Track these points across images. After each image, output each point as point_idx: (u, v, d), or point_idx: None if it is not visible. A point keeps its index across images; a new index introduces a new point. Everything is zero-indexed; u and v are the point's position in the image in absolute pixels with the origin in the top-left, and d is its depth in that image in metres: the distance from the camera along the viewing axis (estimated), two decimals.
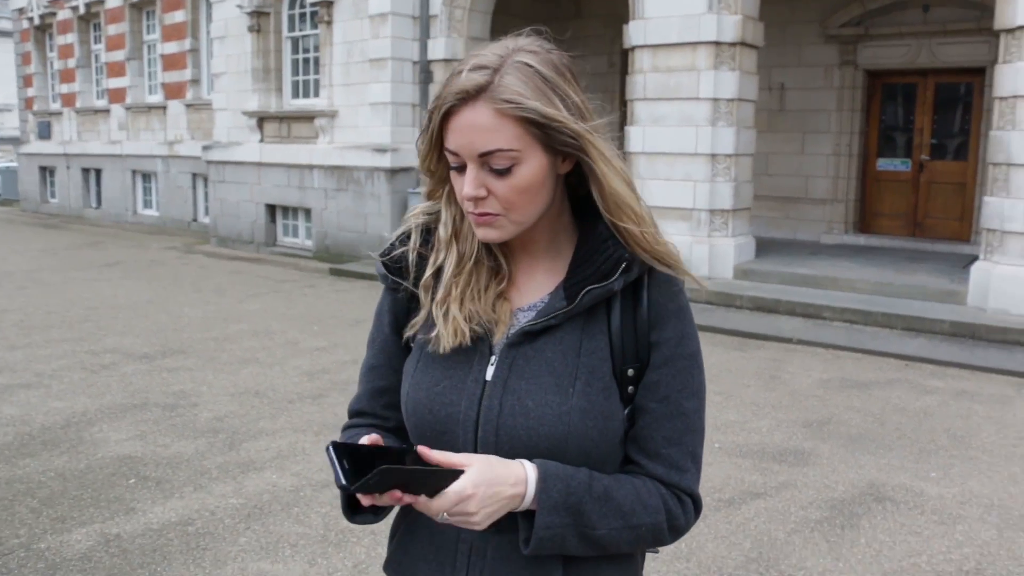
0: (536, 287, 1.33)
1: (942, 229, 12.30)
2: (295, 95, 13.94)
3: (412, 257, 1.33)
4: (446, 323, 1.27)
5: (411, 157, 12.47)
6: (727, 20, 9.72)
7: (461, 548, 1.29)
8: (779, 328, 8.45)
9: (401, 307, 1.38)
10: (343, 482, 1.05)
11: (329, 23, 12.81)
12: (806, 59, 12.77)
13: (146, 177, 19.17)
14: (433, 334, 1.29)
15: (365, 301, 9.92)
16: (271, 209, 14.32)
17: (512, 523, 1.22)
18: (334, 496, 4.36)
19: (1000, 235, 8.46)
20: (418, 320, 1.34)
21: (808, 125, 12.97)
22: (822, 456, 5.09)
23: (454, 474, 1.12)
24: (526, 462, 1.20)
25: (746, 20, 9.82)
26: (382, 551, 3.75)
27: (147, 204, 19.26)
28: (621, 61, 13.97)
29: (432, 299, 1.30)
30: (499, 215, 1.23)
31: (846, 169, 12.79)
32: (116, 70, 19.59)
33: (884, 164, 12.81)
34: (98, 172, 20.47)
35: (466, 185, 1.21)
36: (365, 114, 12.59)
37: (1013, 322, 7.98)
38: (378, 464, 1.07)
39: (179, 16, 17.66)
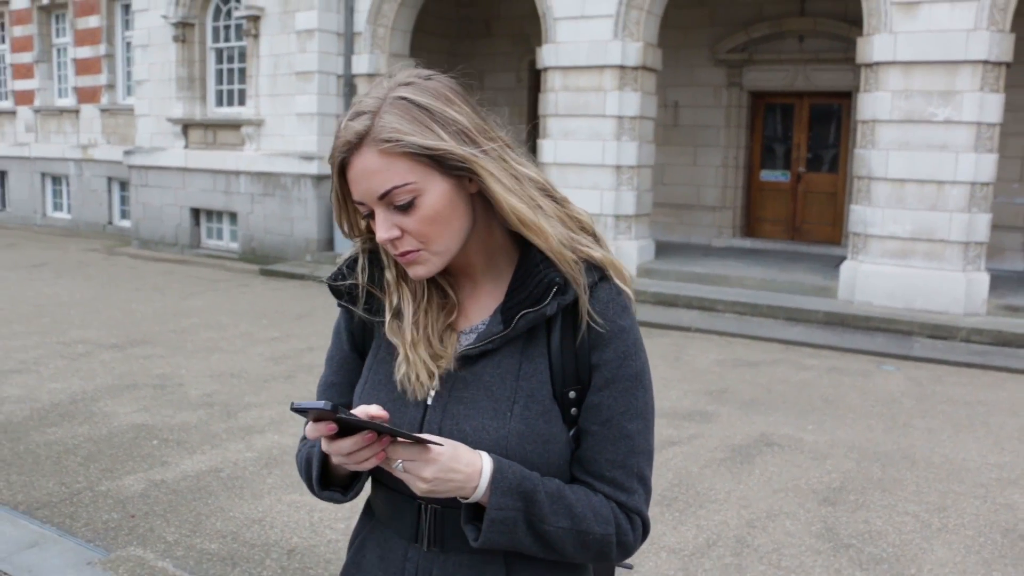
0: (479, 310, 1.34)
1: (817, 233, 13.81)
2: (220, 104, 14.50)
3: (362, 283, 1.36)
4: (416, 366, 1.28)
5: None
6: (631, 47, 10.91)
7: (408, 567, 1.32)
8: (679, 319, 9.65)
9: (357, 326, 1.41)
10: (322, 405, 1.08)
11: (256, 36, 13.46)
12: (697, 80, 14.11)
13: (56, 180, 19.21)
14: (398, 368, 1.30)
15: (300, 298, 10.67)
16: (195, 213, 14.81)
17: (459, 541, 1.26)
18: None
19: (864, 238, 9.88)
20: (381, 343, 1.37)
21: (699, 139, 14.32)
22: (722, 416, 6.22)
23: (421, 442, 1.16)
24: (482, 452, 1.22)
25: (647, 47, 11.04)
26: None
27: (57, 207, 19.30)
28: (529, 77, 15.07)
29: (402, 341, 1.31)
30: (419, 250, 1.24)
31: (733, 179, 14.18)
32: (23, 72, 19.56)
33: (766, 175, 14.25)
34: (3, 174, 20.34)
35: (378, 230, 1.23)
36: (292, 123, 13.30)
37: (875, 311, 9.39)
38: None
39: (93, 21, 17.86)
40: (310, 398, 6.26)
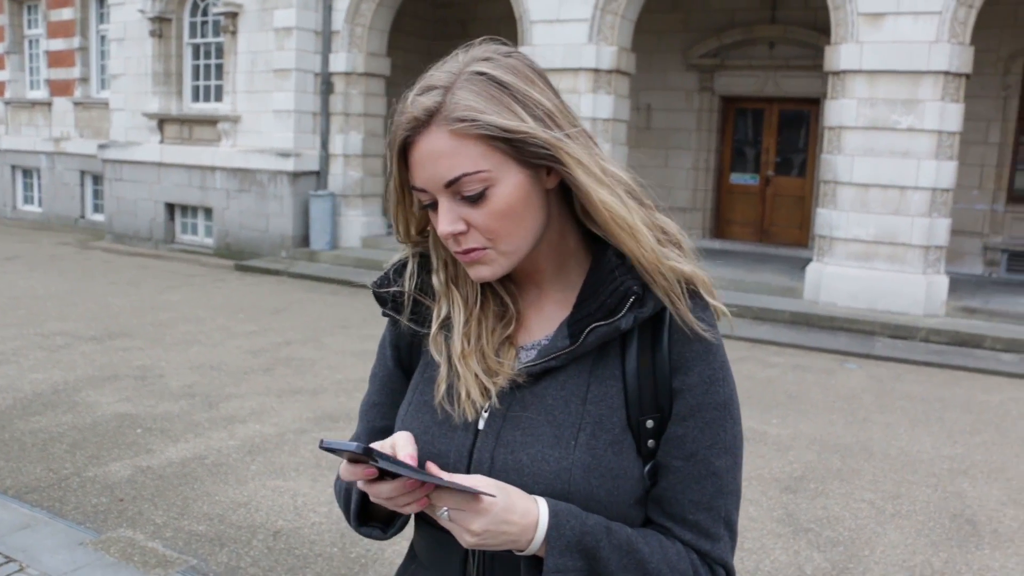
0: (543, 323, 1.20)
1: (785, 236, 14.12)
2: (196, 99, 14.54)
3: (409, 290, 1.22)
4: (467, 381, 1.15)
5: (313, 162, 13.38)
6: (605, 50, 11.13)
7: None
8: None
9: (404, 339, 1.27)
10: (354, 447, 0.96)
11: (234, 33, 13.53)
12: (670, 84, 14.37)
13: (27, 173, 19.12)
14: (438, 388, 1.17)
15: (276, 294, 10.78)
16: (170, 208, 14.85)
17: None
18: (316, 437, 5.41)
19: (829, 241, 10.17)
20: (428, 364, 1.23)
21: (671, 142, 14.58)
22: None
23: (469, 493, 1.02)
24: (538, 498, 1.06)
25: (621, 51, 11.27)
26: None
27: (28, 200, 19.21)
28: None
29: (448, 354, 1.18)
30: (485, 248, 1.10)
31: (704, 182, 14.46)
32: None
33: (736, 178, 14.55)
34: None
35: (441, 222, 1.09)
36: (268, 120, 13.39)
37: (839, 312, 9.68)
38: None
39: (67, 14, 17.81)
40: (289, 390, 6.42)
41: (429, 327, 1.21)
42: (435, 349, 1.19)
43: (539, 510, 1.04)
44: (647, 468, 1.13)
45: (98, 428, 5.43)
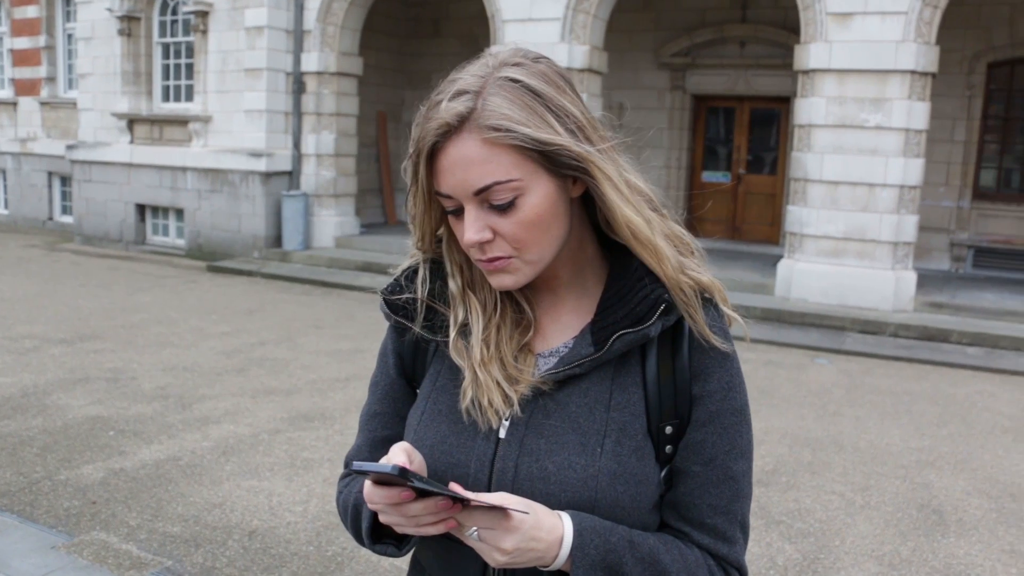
0: (560, 330, 1.19)
1: (756, 233, 14.24)
2: (166, 99, 14.43)
3: (422, 297, 1.20)
4: (488, 389, 1.13)
5: (286, 162, 13.32)
6: (577, 50, 11.18)
7: None
8: None
9: (407, 348, 1.26)
10: (389, 469, 0.94)
11: (204, 32, 13.44)
12: (642, 83, 14.45)
13: None
14: (464, 395, 1.15)
15: (249, 294, 10.72)
16: (141, 209, 14.72)
17: None
18: (291, 437, 5.40)
19: (800, 237, 10.28)
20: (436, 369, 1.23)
21: (643, 141, 14.59)
22: None
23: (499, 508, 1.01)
24: (561, 513, 1.06)
25: (593, 50, 11.32)
26: (343, 471, 4.85)
27: None
28: None
29: (471, 361, 1.16)
30: (511, 257, 1.09)
31: (676, 180, 14.55)
32: None
33: (708, 176, 14.65)
34: None
35: (467, 230, 1.07)
36: (240, 120, 13.31)
37: (810, 308, 9.79)
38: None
39: (32, 12, 17.59)
40: (263, 391, 6.40)
41: (443, 334, 1.19)
42: (457, 355, 1.17)
43: (564, 526, 1.04)
44: (663, 473, 1.15)
45: (69, 431, 5.39)
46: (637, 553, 1.07)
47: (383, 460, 1.05)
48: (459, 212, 1.09)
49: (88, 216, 15.23)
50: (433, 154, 1.07)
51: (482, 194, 1.06)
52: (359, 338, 8.34)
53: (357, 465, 0.95)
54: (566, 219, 1.12)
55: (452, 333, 1.17)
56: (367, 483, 1.01)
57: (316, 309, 9.87)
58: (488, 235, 1.07)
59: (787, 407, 6.57)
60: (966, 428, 6.22)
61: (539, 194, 1.07)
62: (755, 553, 4.09)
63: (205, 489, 4.56)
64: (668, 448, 1.15)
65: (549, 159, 1.06)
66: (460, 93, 1.05)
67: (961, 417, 6.50)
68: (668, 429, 1.14)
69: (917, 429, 6.14)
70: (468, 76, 1.07)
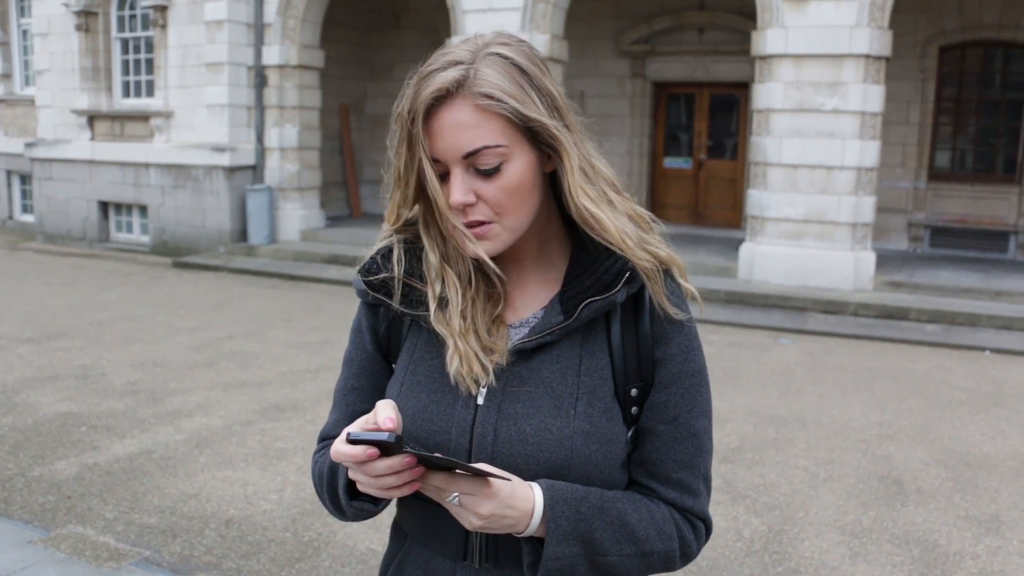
0: (528, 301, 1.26)
1: (718, 217, 14.42)
2: (126, 95, 14.29)
3: (399, 275, 1.25)
4: (468, 359, 1.19)
5: (249, 156, 13.26)
6: (538, 38, 11.24)
7: None
8: None
9: (382, 324, 1.30)
10: (387, 437, 0.99)
11: (164, 27, 13.33)
12: (602, 71, 14.55)
13: None
14: (451, 361, 1.20)
15: (216, 289, 10.70)
16: (104, 206, 14.58)
17: (515, 555, 1.18)
18: (263, 428, 5.45)
19: (761, 221, 10.46)
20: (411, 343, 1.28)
21: (605, 128, 14.75)
22: None
23: (482, 474, 1.07)
24: (534, 484, 1.12)
25: (553, 38, 11.40)
26: None
27: None
28: None
29: (450, 330, 1.21)
30: (491, 223, 1.15)
31: (638, 166, 14.68)
32: None
33: (670, 162, 14.80)
34: None
35: (454, 191, 1.13)
36: (202, 115, 13.23)
37: (772, 290, 9.97)
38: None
39: None
40: (234, 383, 6.43)
41: (421, 309, 1.23)
42: (439, 324, 1.21)
43: (535, 497, 1.11)
44: (630, 433, 1.22)
45: (40, 428, 5.39)
46: (606, 518, 1.14)
47: (371, 420, 1.08)
48: (443, 178, 1.15)
49: (50, 214, 15.06)
50: (426, 118, 1.12)
51: (470, 158, 1.12)
52: (328, 330, 8.38)
53: (354, 434, 1.01)
54: (541, 191, 1.19)
55: (432, 306, 1.22)
56: (338, 441, 1.05)
57: (284, 302, 9.88)
58: (472, 198, 1.13)
59: (751, 387, 6.72)
60: (924, 402, 6.41)
61: (521, 163, 1.14)
62: (722, 527, 4.21)
63: (180, 481, 4.60)
64: (634, 409, 1.22)
65: (532, 132, 1.14)
66: (454, 63, 1.12)
67: (920, 392, 6.69)
68: (633, 392, 1.22)
69: (878, 404, 6.32)
70: (459, 50, 1.14)
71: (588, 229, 1.20)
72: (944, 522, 4.34)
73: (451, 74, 1.11)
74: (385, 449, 1.02)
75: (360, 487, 1.09)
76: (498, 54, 1.13)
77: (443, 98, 1.11)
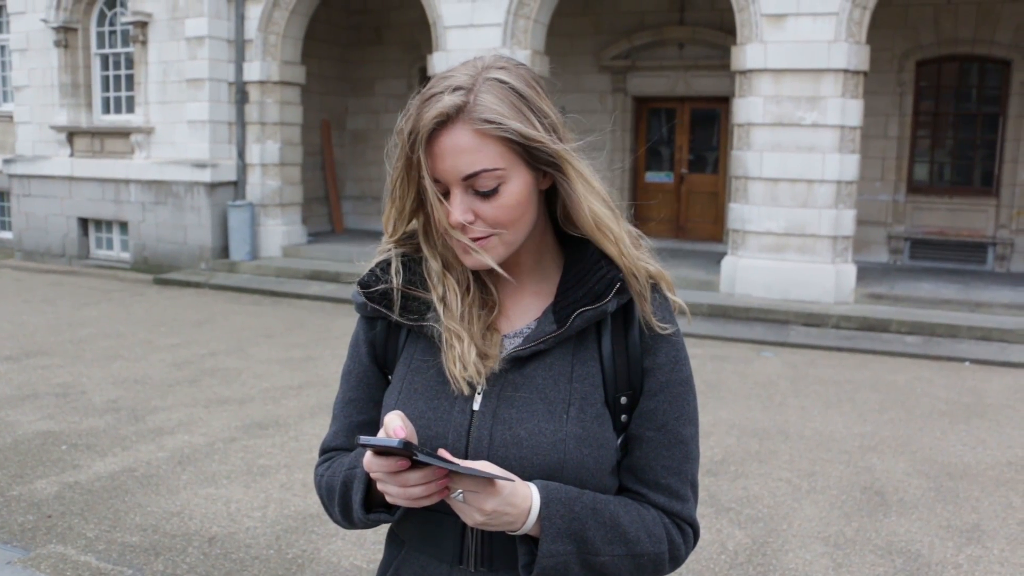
0: (523, 312, 1.31)
1: (700, 231, 14.49)
2: (106, 111, 14.23)
3: (397, 286, 1.30)
4: (463, 360, 1.24)
5: (230, 172, 13.23)
6: (519, 54, 11.27)
7: None
8: None
9: (379, 337, 1.35)
10: (396, 443, 1.03)
11: (144, 43, 13.30)
12: (583, 86, 14.62)
13: None
14: (454, 363, 1.24)
15: (197, 306, 10.64)
16: (84, 223, 14.49)
17: (511, 558, 1.22)
18: (246, 445, 5.41)
19: (742, 234, 10.52)
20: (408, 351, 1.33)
21: (589, 144, 14.79)
22: None
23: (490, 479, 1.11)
24: (531, 484, 1.16)
25: (534, 54, 11.45)
26: (300, 475, 4.89)
27: None
28: (420, 84, 15.28)
29: (453, 331, 1.26)
30: (490, 236, 1.20)
31: (620, 181, 14.72)
32: None
33: (651, 176, 14.86)
34: None
35: (454, 211, 1.18)
36: (183, 131, 13.19)
37: (754, 303, 10.02)
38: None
39: None
40: (216, 400, 6.39)
41: (420, 319, 1.28)
42: (452, 322, 1.26)
43: (532, 497, 1.15)
44: (619, 441, 1.27)
45: (20, 447, 5.34)
46: (599, 518, 1.19)
47: (381, 431, 1.13)
48: (444, 195, 1.20)
49: (28, 231, 14.95)
50: (428, 140, 1.17)
51: (469, 180, 1.17)
52: (310, 346, 8.35)
53: (363, 439, 1.05)
54: (536, 208, 1.25)
55: (441, 311, 1.27)
56: (368, 454, 1.10)
57: (266, 319, 9.83)
58: (471, 217, 1.19)
59: (734, 399, 6.74)
60: (906, 413, 6.46)
61: (519, 183, 1.19)
62: (706, 540, 4.22)
63: (162, 498, 4.56)
64: (623, 417, 1.27)
65: (529, 153, 1.19)
66: (456, 88, 1.17)
67: (901, 403, 6.73)
68: (623, 399, 1.26)
69: (860, 416, 6.35)
70: (458, 75, 1.19)
71: (597, 235, 1.25)
72: (926, 532, 4.37)
73: (453, 99, 1.16)
74: (390, 454, 1.07)
75: (389, 499, 1.13)
76: (497, 79, 1.18)
77: (444, 122, 1.16)
